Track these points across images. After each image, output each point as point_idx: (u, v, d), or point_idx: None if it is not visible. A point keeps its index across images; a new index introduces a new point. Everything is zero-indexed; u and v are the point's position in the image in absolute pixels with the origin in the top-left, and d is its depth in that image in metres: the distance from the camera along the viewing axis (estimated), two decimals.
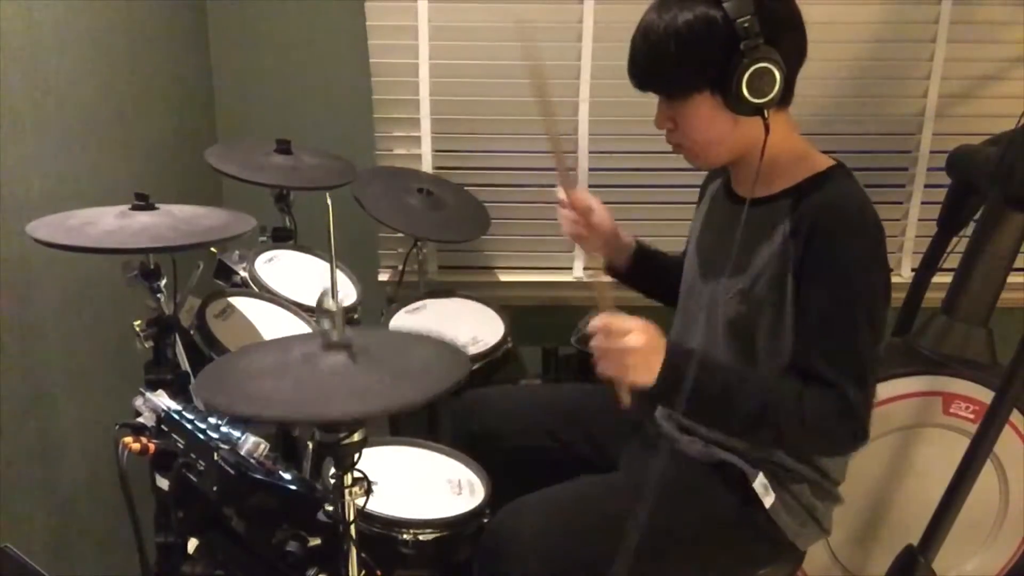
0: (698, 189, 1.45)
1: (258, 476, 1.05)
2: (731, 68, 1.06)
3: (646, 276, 1.49)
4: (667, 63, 1.11)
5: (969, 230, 1.76)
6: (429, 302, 1.94)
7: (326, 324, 0.96)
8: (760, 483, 1.21)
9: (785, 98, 1.14)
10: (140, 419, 1.11)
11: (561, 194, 1.40)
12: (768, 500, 1.21)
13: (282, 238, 1.85)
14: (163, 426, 1.09)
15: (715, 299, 1.23)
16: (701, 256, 1.32)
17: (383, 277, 2.25)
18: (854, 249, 1.09)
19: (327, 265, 1.79)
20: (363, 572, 1.06)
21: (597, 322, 1.08)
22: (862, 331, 1.10)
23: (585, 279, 2.22)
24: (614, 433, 1.42)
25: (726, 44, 1.06)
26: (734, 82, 1.06)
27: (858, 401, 1.08)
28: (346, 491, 0.99)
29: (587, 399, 1.49)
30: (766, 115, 1.09)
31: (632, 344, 1.06)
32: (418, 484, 1.34)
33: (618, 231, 1.45)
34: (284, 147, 1.76)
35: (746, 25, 1.04)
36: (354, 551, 1.03)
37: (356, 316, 1.72)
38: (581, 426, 1.45)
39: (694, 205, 1.45)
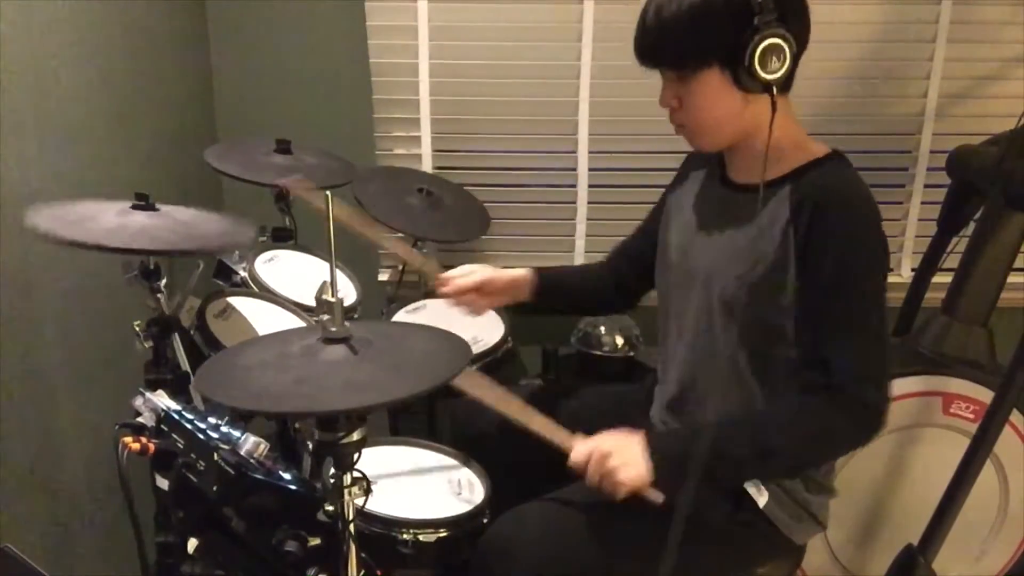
0: None
1: (258, 476, 1.05)
2: (743, 42, 1.07)
3: (556, 298, 1.51)
4: (680, 36, 1.11)
5: (969, 230, 1.76)
6: (429, 302, 1.93)
7: (325, 316, 0.96)
8: (752, 482, 1.21)
9: (787, 83, 1.14)
10: (140, 419, 1.11)
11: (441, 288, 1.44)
12: (761, 500, 1.21)
13: (282, 238, 1.85)
14: (163, 426, 1.09)
15: (710, 285, 1.22)
16: (690, 242, 1.29)
17: (383, 277, 2.25)
18: (855, 228, 1.10)
19: (327, 265, 1.79)
20: (363, 572, 1.06)
21: (576, 463, 1.15)
22: (861, 307, 1.10)
23: None
24: None
25: (740, 18, 1.07)
26: (747, 56, 1.07)
27: (860, 377, 1.09)
28: (345, 491, 0.99)
29: (587, 400, 1.49)
30: (774, 92, 1.10)
31: (604, 446, 1.13)
32: (418, 484, 1.34)
33: (511, 276, 1.45)
34: (284, 147, 1.76)
35: (760, 0, 1.06)
36: (354, 551, 1.03)
37: (356, 316, 1.72)
38: (581, 427, 1.44)
39: None
